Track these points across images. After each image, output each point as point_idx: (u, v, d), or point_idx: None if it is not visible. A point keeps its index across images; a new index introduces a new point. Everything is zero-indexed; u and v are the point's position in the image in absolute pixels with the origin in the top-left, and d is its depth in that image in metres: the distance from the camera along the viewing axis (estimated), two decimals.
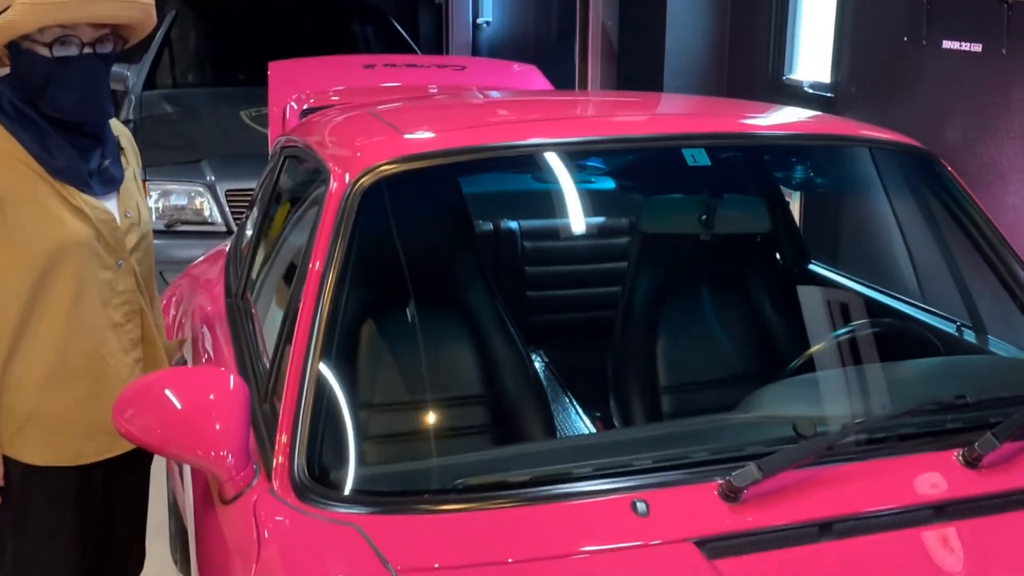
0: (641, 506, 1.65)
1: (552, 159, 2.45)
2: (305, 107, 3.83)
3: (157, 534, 2.92)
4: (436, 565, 1.58)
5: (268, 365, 2.12)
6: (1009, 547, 1.69)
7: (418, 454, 2.19)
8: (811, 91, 5.13)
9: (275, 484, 1.74)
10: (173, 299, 3.31)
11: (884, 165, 2.58)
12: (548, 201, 2.87)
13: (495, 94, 3.77)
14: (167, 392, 1.78)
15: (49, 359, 2.18)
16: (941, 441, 1.83)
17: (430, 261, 2.45)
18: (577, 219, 2.96)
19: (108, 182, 2.24)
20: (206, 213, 5.04)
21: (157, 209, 4.96)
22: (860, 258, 3.52)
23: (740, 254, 2.88)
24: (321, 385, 1.85)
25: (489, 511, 1.68)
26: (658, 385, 2.65)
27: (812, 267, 3.16)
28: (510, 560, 1.60)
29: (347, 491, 1.73)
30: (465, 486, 1.73)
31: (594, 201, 3.25)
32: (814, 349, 2.30)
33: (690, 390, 2.66)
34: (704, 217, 2.69)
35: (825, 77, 5.05)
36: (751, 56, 5.71)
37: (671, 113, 3.00)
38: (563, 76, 7.07)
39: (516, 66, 4.75)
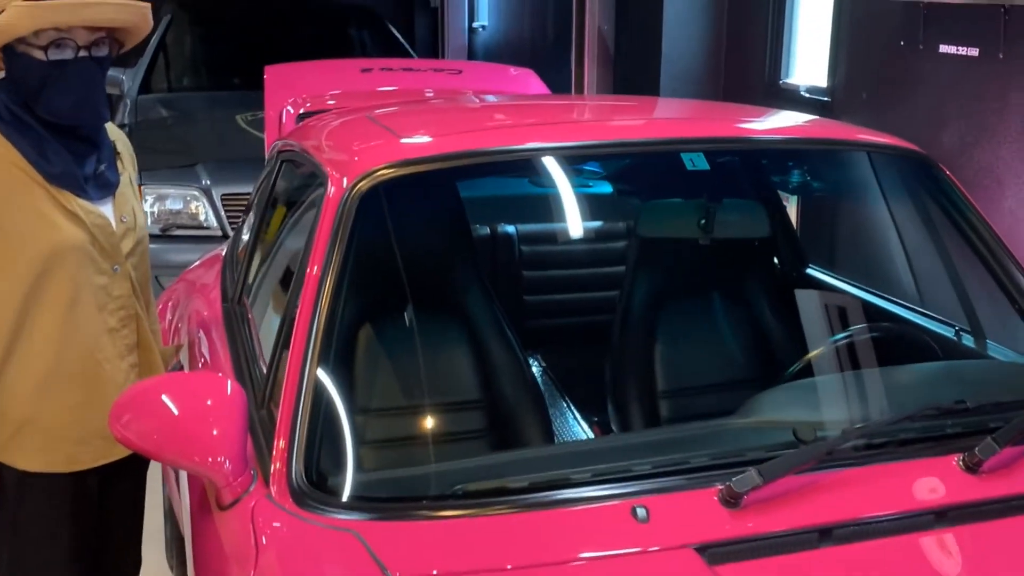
0: (641, 512, 1.64)
1: (550, 163, 2.45)
2: (301, 111, 3.82)
3: (152, 540, 2.91)
4: (435, 572, 1.57)
5: (265, 370, 2.11)
6: (1010, 553, 1.68)
7: (416, 459, 2.18)
8: (808, 95, 5.13)
9: (273, 490, 1.73)
10: (169, 304, 3.30)
11: (882, 169, 2.58)
12: (545, 205, 2.86)
13: (491, 98, 3.77)
14: (164, 397, 1.77)
15: (44, 364, 2.17)
16: (941, 446, 1.83)
17: (428, 265, 2.44)
18: (574, 223, 2.95)
19: (104, 187, 2.23)
20: (201, 217, 5.03)
21: (152, 213, 4.96)
22: (858, 262, 3.52)
23: (738, 258, 2.87)
24: (319, 390, 1.84)
25: (488, 517, 1.67)
26: (656, 390, 2.64)
27: (810, 271, 3.16)
28: (509, 567, 1.59)
29: (345, 497, 1.73)
30: (464, 492, 1.72)
31: (591, 205, 3.25)
32: (813, 354, 2.29)
33: (688, 394, 2.66)
34: (702, 222, 2.69)
35: (822, 81, 5.05)
36: (748, 60, 5.71)
37: (668, 117, 3.00)
38: (559, 80, 7.07)
39: (513, 70, 4.75)
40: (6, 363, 2.15)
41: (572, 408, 2.88)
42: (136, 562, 2.52)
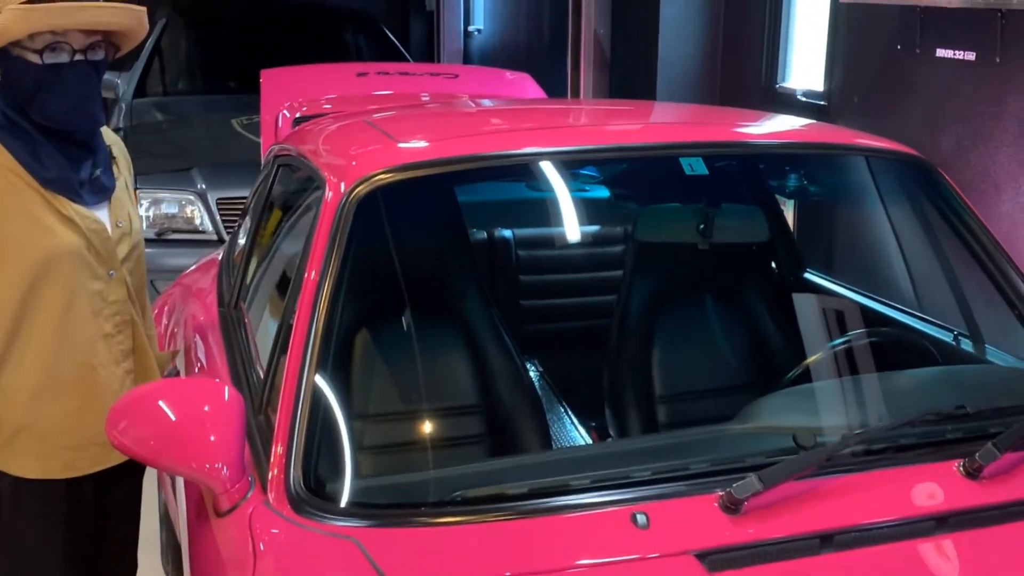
0: (641, 518, 1.64)
1: (548, 168, 2.44)
2: (298, 115, 3.81)
3: (148, 545, 2.89)
4: None
5: (263, 376, 2.10)
6: (1011, 559, 1.68)
7: (414, 465, 2.18)
8: (804, 99, 5.13)
9: (271, 497, 1.72)
10: (165, 308, 3.29)
11: (880, 174, 2.58)
12: (542, 210, 2.86)
13: (487, 102, 3.77)
14: (161, 404, 1.76)
15: (39, 370, 2.15)
16: (942, 452, 1.83)
17: (425, 270, 2.44)
18: (571, 228, 2.94)
19: (99, 192, 2.22)
20: (197, 221, 5.02)
21: (147, 217, 4.95)
22: (857, 267, 3.52)
23: (736, 263, 2.87)
24: (317, 396, 1.84)
25: (488, 524, 1.66)
26: (654, 394, 2.64)
27: (807, 276, 3.16)
28: (508, 574, 1.58)
29: (344, 504, 1.72)
30: (463, 499, 1.72)
31: (588, 210, 3.24)
32: (812, 359, 2.29)
33: (686, 399, 2.65)
34: (701, 226, 2.68)
35: (818, 85, 5.05)
36: (744, 64, 5.71)
37: (666, 122, 3.00)
38: (555, 84, 7.07)
39: (509, 74, 4.74)
40: (1, 369, 2.14)
41: (569, 413, 2.87)
42: (132, 568, 2.50)
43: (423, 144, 2.45)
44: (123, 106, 6.08)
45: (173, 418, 1.75)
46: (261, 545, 1.65)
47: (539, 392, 2.66)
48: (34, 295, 2.12)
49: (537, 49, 8.83)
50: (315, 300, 1.92)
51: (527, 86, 4.48)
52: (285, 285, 2.28)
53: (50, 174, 2.12)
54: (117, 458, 2.22)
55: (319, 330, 1.89)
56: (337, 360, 2.04)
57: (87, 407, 2.19)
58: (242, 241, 3.01)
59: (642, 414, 2.61)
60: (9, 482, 2.19)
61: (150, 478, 2.57)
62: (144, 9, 2.20)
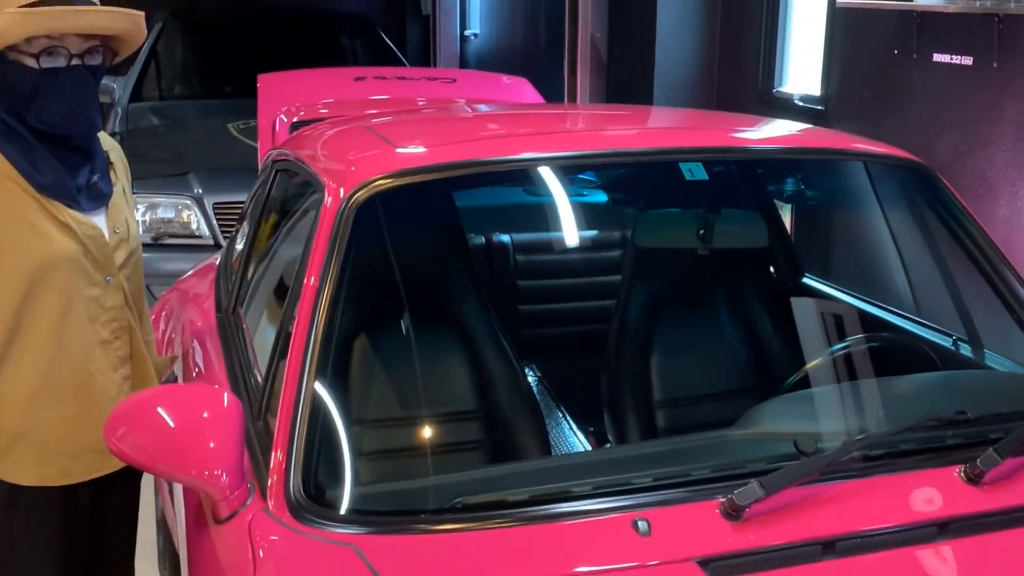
0: (643, 525, 1.63)
1: (546, 173, 2.44)
2: (295, 120, 3.81)
3: (145, 552, 2.88)
4: None
5: (262, 382, 2.09)
6: (1012, 565, 1.68)
7: (413, 471, 2.17)
8: (801, 104, 5.13)
9: (270, 503, 1.72)
10: (163, 314, 3.29)
11: (880, 179, 2.57)
12: (540, 215, 2.86)
13: (484, 107, 3.76)
14: (160, 410, 1.75)
15: (36, 376, 2.14)
16: (943, 457, 1.82)
17: (424, 276, 2.43)
18: (569, 232, 2.94)
19: (96, 197, 2.21)
20: (193, 226, 5.01)
21: (144, 222, 4.94)
22: (855, 271, 3.51)
23: (734, 268, 2.87)
24: (316, 402, 1.83)
25: (488, 531, 1.65)
26: (652, 399, 2.63)
27: (806, 280, 3.16)
28: None
29: (343, 510, 1.71)
30: (464, 505, 1.71)
31: (586, 214, 3.23)
32: (812, 364, 2.29)
33: (684, 404, 2.65)
34: (701, 232, 2.68)
35: (815, 90, 5.05)
36: (741, 68, 5.72)
37: (664, 127, 3.00)
38: (551, 88, 7.07)
39: (506, 79, 4.75)
40: None
41: (568, 418, 2.86)
42: (130, 574, 2.49)
43: (422, 149, 2.45)
44: (119, 110, 6.08)
45: (172, 424, 1.74)
46: (261, 552, 1.64)
47: (537, 397, 2.66)
48: (31, 301, 2.11)
49: (534, 53, 8.83)
50: (315, 306, 1.91)
51: (524, 90, 4.48)
52: (284, 290, 2.28)
53: (46, 180, 2.11)
54: (114, 465, 2.21)
55: (319, 336, 1.88)
56: (336, 366, 2.03)
57: (84, 413, 2.18)
58: (240, 246, 3.01)
59: (641, 419, 2.60)
60: (5, 489, 2.18)
61: (147, 484, 2.56)
62: (142, 14, 2.18)
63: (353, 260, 2.01)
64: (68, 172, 2.14)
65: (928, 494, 1.77)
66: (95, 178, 2.21)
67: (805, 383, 2.27)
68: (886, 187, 2.61)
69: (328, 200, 2.10)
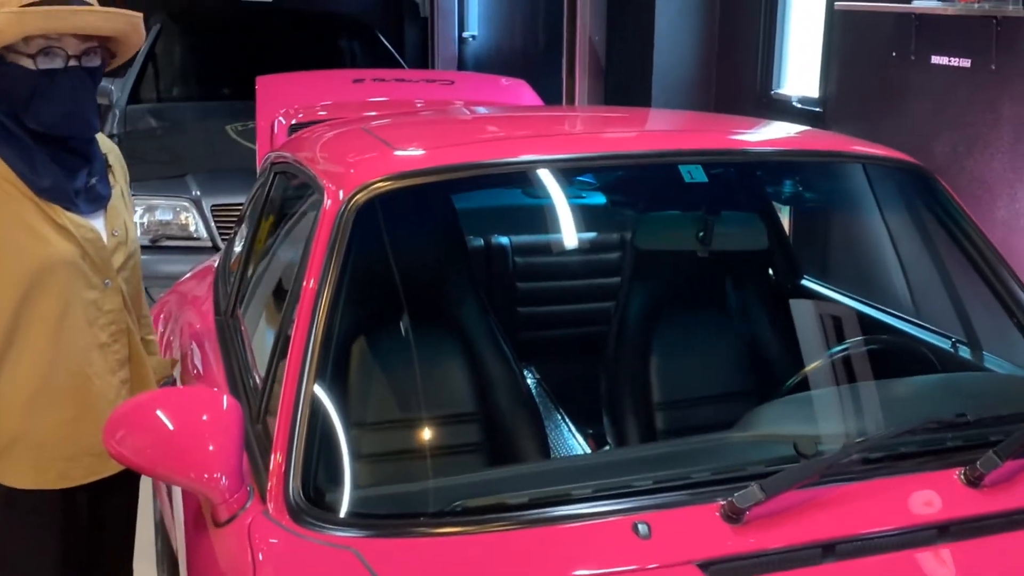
0: (643, 528, 1.63)
1: (545, 175, 2.44)
2: (293, 122, 3.81)
3: (143, 554, 2.88)
4: None
5: (261, 384, 2.09)
6: (1013, 567, 1.67)
7: (413, 474, 2.17)
8: (799, 105, 5.14)
9: (270, 507, 1.71)
10: (161, 316, 3.28)
11: (879, 181, 2.58)
12: (539, 217, 2.85)
13: (482, 109, 3.76)
14: (159, 413, 1.75)
15: (34, 380, 2.14)
16: (942, 460, 1.82)
17: (424, 278, 2.43)
18: (569, 235, 2.94)
19: (94, 200, 2.20)
20: (191, 228, 5.01)
21: (142, 224, 4.93)
22: (853, 274, 3.52)
23: (733, 270, 2.87)
24: (316, 405, 1.83)
25: (488, 534, 1.65)
26: (651, 402, 2.63)
27: (804, 282, 3.16)
28: None
29: (343, 513, 1.71)
30: (463, 508, 1.71)
31: (585, 216, 3.24)
32: (812, 366, 2.28)
33: (683, 407, 2.65)
34: (701, 234, 2.68)
35: (813, 92, 5.06)
36: (739, 70, 5.72)
37: (662, 129, 2.99)
38: (549, 90, 7.07)
39: (505, 81, 4.75)
40: None
41: (567, 420, 2.86)
42: None
43: (421, 152, 2.45)
44: (117, 112, 6.07)
45: (171, 427, 1.73)
46: (260, 555, 1.64)
47: (536, 399, 2.65)
48: (29, 304, 2.10)
49: (532, 55, 8.84)
50: (314, 308, 1.91)
51: (523, 93, 4.48)
52: (283, 293, 2.27)
53: (44, 183, 2.10)
54: (112, 468, 2.21)
55: (318, 338, 1.88)
56: (336, 369, 2.03)
57: (82, 417, 2.18)
58: (238, 248, 3.00)
59: (640, 421, 2.60)
60: (3, 492, 2.17)
61: (145, 486, 2.56)
62: (140, 15, 2.18)
63: (352, 263, 2.01)
64: (66, 175, 2.14)
65: (928, 497, 1.77)
66: (93, 181, 2.20)
67: (804, 385, 2.27)
68: (884, 189, 2.61)
69: (327, 202, 2.10)
